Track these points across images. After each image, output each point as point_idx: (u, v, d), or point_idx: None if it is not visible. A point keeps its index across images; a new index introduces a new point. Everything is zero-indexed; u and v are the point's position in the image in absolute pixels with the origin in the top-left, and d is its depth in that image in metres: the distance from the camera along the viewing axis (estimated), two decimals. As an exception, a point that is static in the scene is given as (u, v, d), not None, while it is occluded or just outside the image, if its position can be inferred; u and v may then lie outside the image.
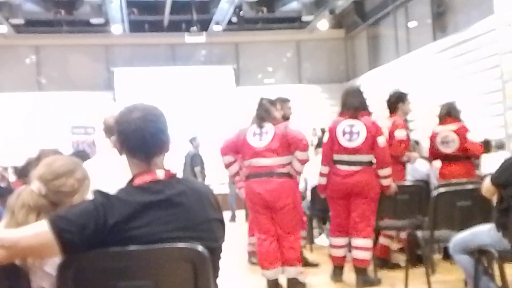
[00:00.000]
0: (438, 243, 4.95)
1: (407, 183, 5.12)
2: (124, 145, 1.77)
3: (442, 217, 3.84)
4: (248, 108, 12.91)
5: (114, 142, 1.80)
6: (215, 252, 1.75)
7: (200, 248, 1.67)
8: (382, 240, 5.10)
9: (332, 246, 4.80)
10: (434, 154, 5.63)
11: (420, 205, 4.71)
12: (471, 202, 3.82)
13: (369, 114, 4.66)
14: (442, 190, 3.98)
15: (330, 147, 4.59)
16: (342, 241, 4.70)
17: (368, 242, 4.56)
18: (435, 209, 3.81)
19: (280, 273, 4.41)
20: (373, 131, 4.53)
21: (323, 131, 7.34)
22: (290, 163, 4.38)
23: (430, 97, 9.51)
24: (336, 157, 4.59)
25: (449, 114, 5.55)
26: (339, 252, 4.74)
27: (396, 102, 5.36)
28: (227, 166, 4.65)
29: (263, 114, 4.47)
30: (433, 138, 5.58)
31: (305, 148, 4.37)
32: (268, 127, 4.41)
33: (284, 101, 5.31)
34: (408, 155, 5.23)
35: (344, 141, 4.56)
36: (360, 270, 4.55)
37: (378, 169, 4.62)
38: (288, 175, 4.40)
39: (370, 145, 4.53)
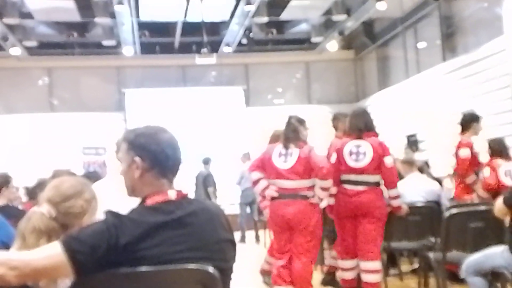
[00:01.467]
0: (451, 265, 4.89)
1: (418, 204, 5.08)
2: (156, 166, 1.78)
3: (454, 239, 3.81)
4: (258, 128, 13.01)
5: (136, 163, 1.79)
6: (225, 273, 1.74)
7: (210, 269, 1.67)
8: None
9: (341, 269, 4.77)
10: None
11: (432, 226, 4.67)
12: (483, 224, 3.78)
13: (376, 134, 4.68)
14: (454, 211, 3.95)
15: (337, 168, 4.60)
16: (350, 263, 4.67)
17: (376, 264, 4.52)
18: (447, 231, 3.79)
19: None
20: (380, 151, 4.55)
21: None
22: (313, 186, 4.38)
23: (440, 117, 9.48)
24: (343, 177, 4.61)
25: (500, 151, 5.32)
26: (349, 275, 4.71)
27: (470, 121, 5.47)
28: (255, 183, 4.61)
29: (291, 134, 4.47)
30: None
31: (325, 177, 4.35)
32: (293, 149, 4.41)
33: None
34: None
35: (350, 161, 4.59)
36: None
37: (387, 189, 4.60)
38: (312, 197, 4.40)
39: (377, 165, 4.54)
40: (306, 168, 4.35)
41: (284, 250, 4.42)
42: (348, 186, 4.60)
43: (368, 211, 4.52)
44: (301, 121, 4.61)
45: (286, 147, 4.44)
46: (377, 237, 4.55)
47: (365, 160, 4.54)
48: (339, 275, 4.85)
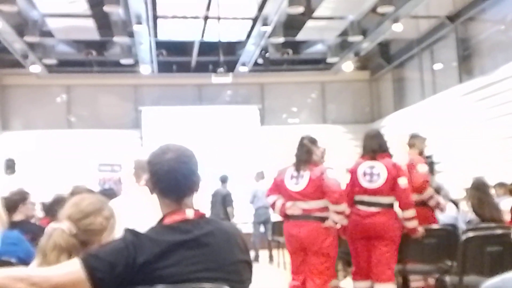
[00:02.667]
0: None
1: (435, 226, 5.03)
2: (157, 185, 1.81)
3: (471, 262, 3.76)
4: (272, 147, 13.00)
5: (146, 181, 1.84)
6: (241, 294, 1.75)
7: (226, 289, 1.67)
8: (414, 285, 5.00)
9: None
10: None
11: (449, 250, 4.61)
12: (501, 247, 3.73)
13: (390, 155, 4.67)
14: (470, 234, 3.90)
15: (351, 189, 4.61)
16: (364, 285, 4.63)
17: (390, 286, 4.49)
18: (463, 254, 3.74)
19: None
20: (394, 173, 4.53)
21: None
22: (327, 207, 4.36)
23: (456, 139, 9.43)
24: (357, 197, 4.61)
25: None
26: None
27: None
28: (273, 205, 4.62)
29: (304, 156, 4.47)
30: None
31: (337, 201, 4.34)
32: (305, 171, 4.42)
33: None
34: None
35: (364, 182, 4.59)
36: None
37: (402, 211, 4.57)
38: (325, 219, 4.37)
39: (391, 186, 4.52)
40: (317, 190, 4.34)
41: (299, 271, 4.42)
42: (361, 207, 4.58)
43: (381, 234, 4.50)
44: (314, 141, 4.60)
45: (297, 169, 4.45)
46: (391, 260, 4.52)
47: (379, 181, 4.53)
48: None
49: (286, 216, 4.47)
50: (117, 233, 1.92)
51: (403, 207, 4.56)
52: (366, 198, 4.59)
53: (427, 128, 10.86)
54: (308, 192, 4.36)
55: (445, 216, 5.50)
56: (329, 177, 4.40)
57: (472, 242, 3.79)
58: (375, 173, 4.57)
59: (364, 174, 4.61)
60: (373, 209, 4.54)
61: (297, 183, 4.41)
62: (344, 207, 4.41)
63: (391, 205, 4.59)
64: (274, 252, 9.58)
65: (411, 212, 4.56)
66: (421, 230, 4.62)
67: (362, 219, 4.55)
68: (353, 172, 4.68)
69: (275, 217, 8.09)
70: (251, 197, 10.06)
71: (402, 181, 4.52)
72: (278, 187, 4.55)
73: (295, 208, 4.37)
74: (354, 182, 4.64)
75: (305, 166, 4.43)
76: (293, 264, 4.53)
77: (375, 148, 4.66)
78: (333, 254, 4.42)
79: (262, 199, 8.48)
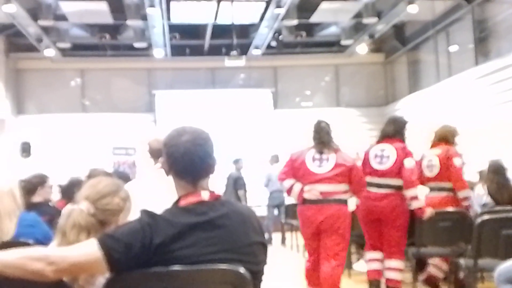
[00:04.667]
0: (482, 272, 4.81)
1: (449, 209, 5.01)
2: (173, 167, 1.81)
3: (486, 245, 3.75)
4: (285, 131, 12.98)
5: (162, 163, 1.84)
6: (256, 276, 1.76)
7: (242, 270, 1.68)
8: (431, 270, 5.02)
9: (367, 260, 4.99)
10: None
11: (463, 233, 4.60)
12: (516, 231, 3.71)
13: (401, 140, 4.84)
14: (486, 217, 3.88)
15: (363, 170, 4.71)
16: (376, 255, 4.86)
17: (399, 264, 4.74)
18: (478, 237, 3.72)
19: None
20: (402, 156, 4.70)
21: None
22: (346, 191, 4.41)
23: (471, 122, 9.33)
24: (368, 179, 4.72)
25: None
26: (374, 266, 4.88)
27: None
28: (289, 190, 4.53)
29: (326, 138, 4.44)
30: None
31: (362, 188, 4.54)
32: (329, 154, 4.40)
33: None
34: None
35: (375, 164, 4.80)
36: None
37: (405, 189, 4.69)
38: (344, 201, 4.43)
39: (399, 169, 4.68)
40: (343, 173, 4.35)
41: (316, 253, 4.45)
42: (371, 189, 4.73)
43: (390, 217, 4.69)
44: (329, 125, 4.61)
45: (320, 152, 4.41)
46: (401, 240, 4.74)
47: (388, 164, 4.72)
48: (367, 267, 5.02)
49: (304, 200, 4.43)
50: (133, 216, 1.94)
51: (406, 186, 4.68)
52: (376, 180, 4.76)
53: (442, 110, 10.78)
54: (333, 174, 4.33)
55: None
56: (359, 168, 4.50)
57: (488, 225, 3.77)
58: (385, 156, 4.76)
59: (375, 156, 4.81)
60: (382, 191, 4.72)
61: (321, 165, 4.36)
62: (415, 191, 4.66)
63: (400, 187, 4.71)
64: (287, 234, 9.62)
65: (413, 191, 4.67)
66: (429, 210, 4.65)
67: (372, 201, 4.74)
68: (366, 154, 4.88)
69: (288, 200, 8.12)
70: (265, 180, 10.09)
71: (408, 162, 4.67)
72: (294, 170, 4.47)
73: (314, 191, 4.34)
74: (365, 163, 4.83)
75: (329, 149, 4.40)
76: (309, 248, 4.54)
77: (389, 133, 4.85)
78: (347, 236, 4.46)
79: (277, 182, 8.53)
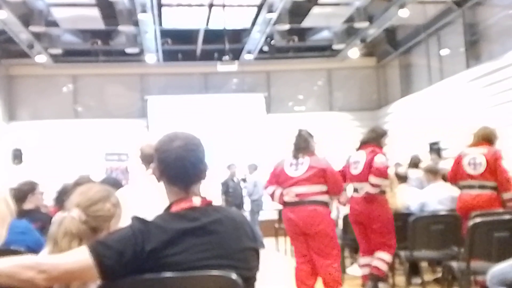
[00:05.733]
0: (475, 275, 4.82)
1: (442, 212, 5.04)
2: (164, 173, 1.81)
3: (479, 248, 3.76)
4: (278, 135, 12.99)
5: (153, 169, 1.84)
6: (249, 281, 1.76)
7: (234, 276, 1.68)
8: (375, 262, 5.17)
9: (360, 265, 5.30)
10: None
11: (456, 236, 4.62)
12: (508, 233, 3.72)
13: (376, 146, 5.11)
14: (478, 220, 3.89)
15: (343, 177, 5.10)
16: (368, 260, 5.08)
17: (386, 256, 4.98)
18: (471, 240, 3.73)
19: None
20: (370, 160, 5.00)
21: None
22: (323, 192, 4.57)
23: (463, 125, 9.38)
24: (350, 185, 5.16)
25: None
26: (367, 271, 5.10)
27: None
28: (272, 195, 4.81)
29: (302, 144, 4.68)
30: None
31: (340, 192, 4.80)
32: (304, 158, 4.65)
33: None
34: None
35: (352, 170, 5.14)
36: (374, 277, 4.96)
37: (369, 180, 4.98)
38: (321, 202, 4.55)
39: (368, 172, 4.97)
40: (316, 174, 4.55)
41: (301, 254, 4.63)
42: (354, 194, 5.12)
43: (370, 221, 4.99)
44: (311, 135, 4.82)
45: (296, 157, 4.66)
46: (386, 238, 4.99)
47: (358, 169, 5.09)
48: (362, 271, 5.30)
49: (284, 203, 4.66)
50: (124, 222, 1.93)
51: (373, 175, 4.95)
52: (355, 184, 5.15)
53: (434, 114, 10.83)
54: (307, 176, 4.54)
55: (453, 202, 5.48)
56: (334, 172, 4.71)
57: (480, 228, 3.78)
58: (357, 162, 5.14)
59: (354, 162, 5.17)
60: (359, 195, 5.05)
61: (297, 169, 4.61)
62: (345, 195, 5.12)
63: (380, 192, 5.04)
64: (281, 239, 9.61)
65: (376, 180, 4.93)
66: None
67: (354, 205, 5.12)
68: (347, 161, 5.31)
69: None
70: (251, 187, 10.22)
71: (377, 159, 4.97)
72: (276, 177, 4.73)
73: (291, 193, 4.56)
74: (345, 170, 5.24)
75: (303, 154, 4.64)
76: (296, 249, 4.71)
77: (366, 140, 5.21)
78: (333, 234, 4.59)
79: (261, 189, 8.90)
